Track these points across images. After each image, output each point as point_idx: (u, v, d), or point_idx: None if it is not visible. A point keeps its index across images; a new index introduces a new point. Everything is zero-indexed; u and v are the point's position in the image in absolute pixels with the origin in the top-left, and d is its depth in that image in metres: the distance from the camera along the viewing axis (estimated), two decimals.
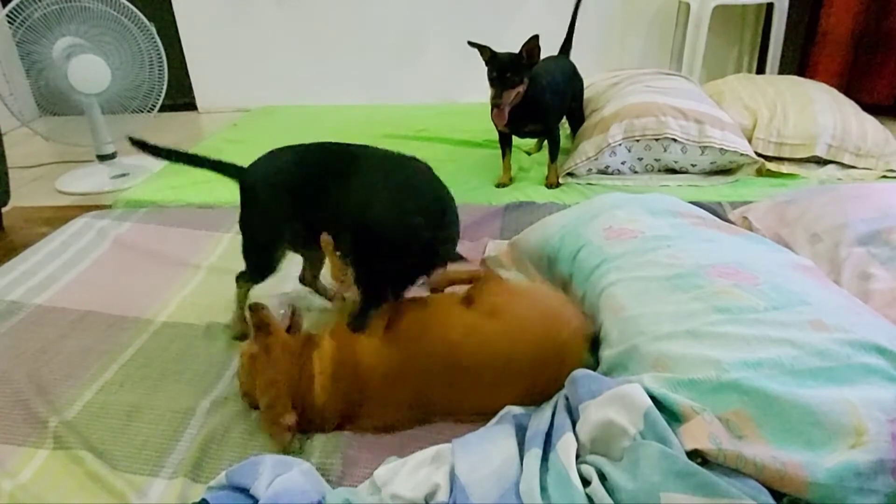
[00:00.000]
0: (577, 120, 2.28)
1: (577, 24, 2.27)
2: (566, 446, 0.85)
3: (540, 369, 0.99)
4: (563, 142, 2.23)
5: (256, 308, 1.08)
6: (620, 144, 2.07)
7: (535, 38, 1.81)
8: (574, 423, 0.89)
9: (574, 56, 2.29)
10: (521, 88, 1.86)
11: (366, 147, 1.24)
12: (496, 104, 1.85)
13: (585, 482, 0.81)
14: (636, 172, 2.15)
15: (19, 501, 0.93)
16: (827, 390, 0.79)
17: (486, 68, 1.86)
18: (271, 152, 1.29)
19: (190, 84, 3.87)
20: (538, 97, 1.94)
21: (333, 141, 1.27)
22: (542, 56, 2.18)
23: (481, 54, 1.86)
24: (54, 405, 1.12)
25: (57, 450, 1.02)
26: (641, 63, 3.56)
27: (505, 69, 1.82)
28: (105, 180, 2.81)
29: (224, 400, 1.12)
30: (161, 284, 1.51)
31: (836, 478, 0.71)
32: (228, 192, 1.38)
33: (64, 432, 1.05)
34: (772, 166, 2.11)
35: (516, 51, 1.83)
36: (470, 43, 1.87)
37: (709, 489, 0.72)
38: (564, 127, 2.30)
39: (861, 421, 0.75)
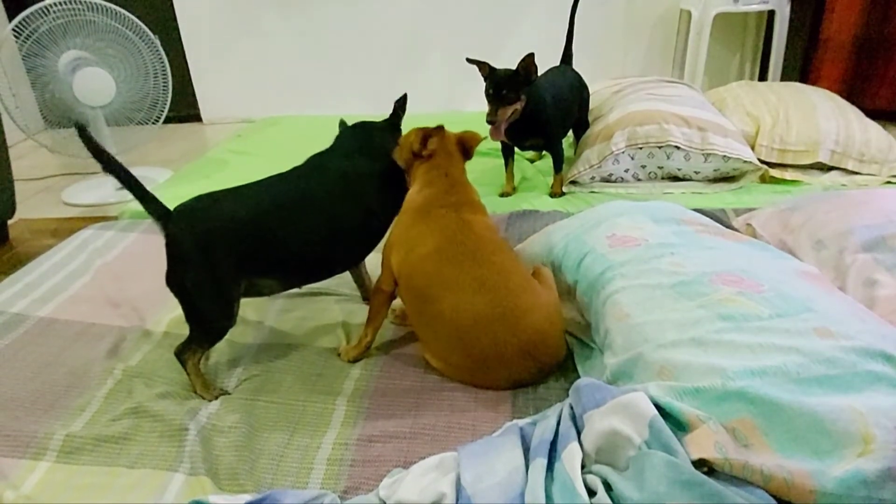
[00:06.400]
0: (582, 128, 2.28)
1: (578, 32, 2.28)
2: (571, 456, 0.84)
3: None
4: (567, 150, 2.23)
5: None
6: (623, 152, 2.07)
7: (531, 56, 1.81)
8: (579, 433, 0.89)
9: (576, 64, 2.29)
10: (517, 105, 1.85)
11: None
12: (491, 121, 1.84)
13: (591, 492, 0.81)
14: (639, 180, 2.14)
15: None
16: (833, 398, 0.78)
17: (485, 80, 1.86)
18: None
19: (194, 95, 3.89)
20: (541, 112, 1.94)
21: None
22: (546, 66, 2.19)
23: (480, 70, 1.86)
24: (60, 417, 1.12)
25: (59, 462, 1.02)
26: (643, 71, 3.56)
27: (501, 86, 1.82)
28: (110, 192, 2.82)
29: (228, 404, 1.13)
30: (166, 294, 1.51)
31: (844, 487, 0.70)
32: None
33: (70, 443, 1.05)
34: (775, 173, 2.10)
35: (517, 64, 1.82)
36: (469, 60, 1.87)
37: (715, 499, 0.72)
38: (568, 135, 2.30)
39: (868, 429, 0.74)
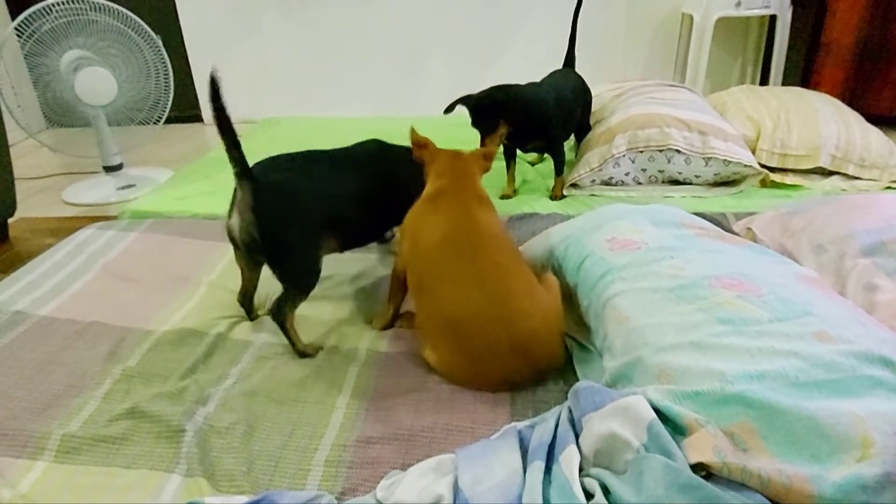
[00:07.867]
0: (584, 131, 2.28)
1: (581, 35, 2.28)
2: (569, 459, 0.84)
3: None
4: (567, 153, 2.23)
5: None
6: (624, 155, 2.07)
7: (489, 89, 1.85)
8: (577, 436, 0.89)
9: (578, 68, 2.30)
10: (501, 130, 1.76)
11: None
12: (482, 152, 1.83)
13: (589, 495, 0.81)
14: (640, 183, 2.14)
15: None
16: (833, 402, 0.78)
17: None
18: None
19: (196, 96, 3.89)
20: (542, 115, 1.94)
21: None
22: (548, 70, 2.20)
23: (464, 105, 1.87)
24: (57, 417, 1.12)
25: (57, 462, 1.02)
26: (645, 75, 3.57)
27: (478, 118, 1.84)
28: (111, 191, 2.83)
29: (226, 404, 1.13)
30: (166, 295, 1.52)
31: (843, 492, 0.70)
32: None
33: (67, 443, 1.05)
34: (776, 177, 2.10)
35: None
36: (446, 111, 1.88)
37: (713, 502, 0.72)
38: (569, 138, 2.31)
39: (868, 433, 0.74)
